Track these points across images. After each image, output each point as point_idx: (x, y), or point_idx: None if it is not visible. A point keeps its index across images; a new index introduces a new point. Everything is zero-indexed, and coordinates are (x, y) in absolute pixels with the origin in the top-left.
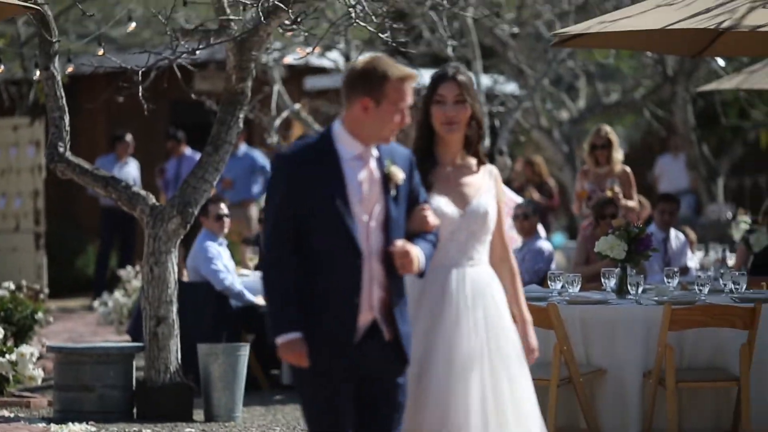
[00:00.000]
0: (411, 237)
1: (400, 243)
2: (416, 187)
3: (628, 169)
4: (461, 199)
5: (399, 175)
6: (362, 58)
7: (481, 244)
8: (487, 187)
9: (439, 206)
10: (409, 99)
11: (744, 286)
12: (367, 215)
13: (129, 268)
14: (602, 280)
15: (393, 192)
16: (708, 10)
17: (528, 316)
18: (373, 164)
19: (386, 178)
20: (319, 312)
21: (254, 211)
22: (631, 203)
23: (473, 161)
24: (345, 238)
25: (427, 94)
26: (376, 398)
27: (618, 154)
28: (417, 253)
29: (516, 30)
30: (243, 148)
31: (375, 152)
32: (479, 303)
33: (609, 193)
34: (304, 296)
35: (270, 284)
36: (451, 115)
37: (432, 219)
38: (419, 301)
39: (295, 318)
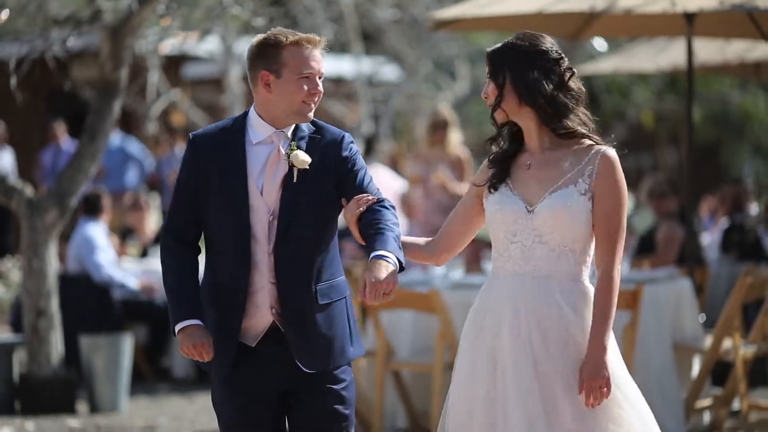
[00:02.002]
0: (367, 230)
1: (375, 280)
2: (352, 167)
3: (463, 152)
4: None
5: (300, 158)
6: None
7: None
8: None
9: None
10: (316, 65)
11: (627, 267)
12: (269, 204)
13: (8, 259)
14: (480, 263)
15: (295, 178)
16: None
17: None
18: (283, 148)
19: (290, 164)
20: (217, 310)
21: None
22: (459, 189)
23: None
24: (240, 229)
25: None
26: (307, 413)
27: (454, 136)
28: (391, 269)
29: (394, 15)
30: (117, 137)
31: (289, 136)
32: None
33: (435, 180)
34: (207, 290)
35: (165, 270)
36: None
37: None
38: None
39: (193, 305)
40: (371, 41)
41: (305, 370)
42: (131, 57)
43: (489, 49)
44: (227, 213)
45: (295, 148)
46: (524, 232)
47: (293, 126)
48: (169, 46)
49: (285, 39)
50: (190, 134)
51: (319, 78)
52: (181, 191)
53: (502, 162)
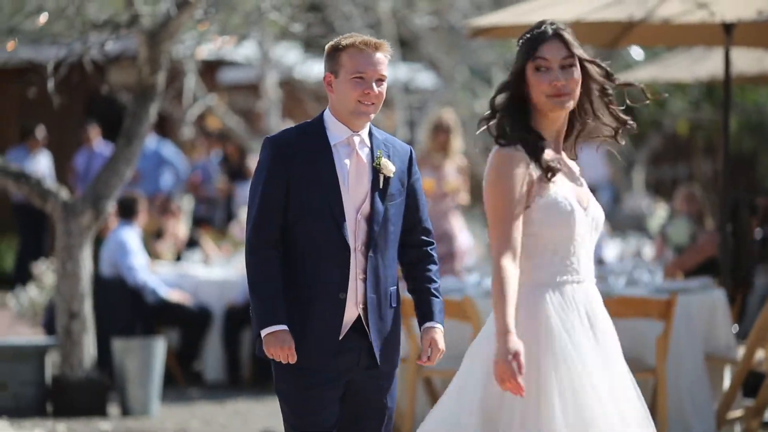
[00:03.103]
0: (420, 284)
1: (430, 351)
2: (414, 185)
3: (462, 160)
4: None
5: (389, 167)
6: None
7: None
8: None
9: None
10: (371, 67)
11: (660, 278)
12: (355, 206)
13: (43, 262)
14: None
15: (381, 185)
16: (620, 1)
17: None
18: (362, 153)
19: (376, 170)
20: (305, 306)
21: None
22: (465, 199)
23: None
24: (334, 228)
25: (521, 60)
26: (360, 402)
27: (457, 142)
28: (440, 338)
29: (431, 22)
30: (153, 141)
31: (366, 141)
32: None
33: (448, 189)
34: (289, 289)
35: (254, 276)
36: (561, 84)
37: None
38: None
39: (281, 310)
40: (408, 48)
41: (380, 364)
42: (168, 61)
43: (560, 29)
44: (323, 215)
45: (382, 155)
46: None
47: (367, 129)
48: (206, 51)
49: (344, 42)
50: (268, 138)
51: (378, 80)
52: (266, 196)
53: (540, 152)
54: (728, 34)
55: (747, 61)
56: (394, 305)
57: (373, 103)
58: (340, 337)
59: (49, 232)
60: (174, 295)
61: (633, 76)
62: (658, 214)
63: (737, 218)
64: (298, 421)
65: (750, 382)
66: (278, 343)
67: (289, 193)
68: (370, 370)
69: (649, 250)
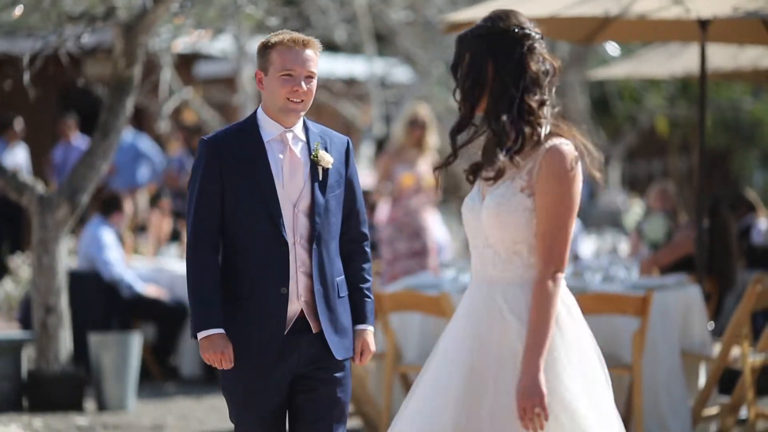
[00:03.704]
0: (355, 283)
1: (359, 352)
2: (352, 176)
3: (436, 157)
4: None
5: (326, 158)
6: None
7: None
8: None
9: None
10: (299, 65)
11: (636, 274)
12: (292, 200)
13: (19, 256)
14: None
15: (321, 176)
16: None
17: None
18: (296, 147)
19: (314, 162)
20: (247, 303)
21: (142, 199)
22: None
23: None
24: (271, 224)
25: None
26: (312, 398)
27: (432, 138)
28: (371, 340)
29: (407, 17)
30: (129, 134)
31: (300, 135)
32: None
33: (424, 185)
34: (229, 287)
35: (192, 279)
36: None
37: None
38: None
39: (218, 314)
40: (384, 42)
41: (334, 355)
42: (144, 54)
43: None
44: (258, 211)
45: (319, 147)
46: (477, 235)
47: (301, 123)
48: (182, 44)
49: (273, 39)
50: (203, 139)
51: (307, 77)
52: (204, 198)
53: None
54: (704, 30)
55: (722, 57)
56: (342, 295)
57: (302, 101)
58: (285, 332)
59: (25, 225)
60: (150, 290)
61: (609, 72)
62: (634, 210)
63: (716, 215)
64: (242, 419)
65: (726, 378)
66: (212, 347)
67: (224, 191)
68: (320, 362)
69: (624, 247)
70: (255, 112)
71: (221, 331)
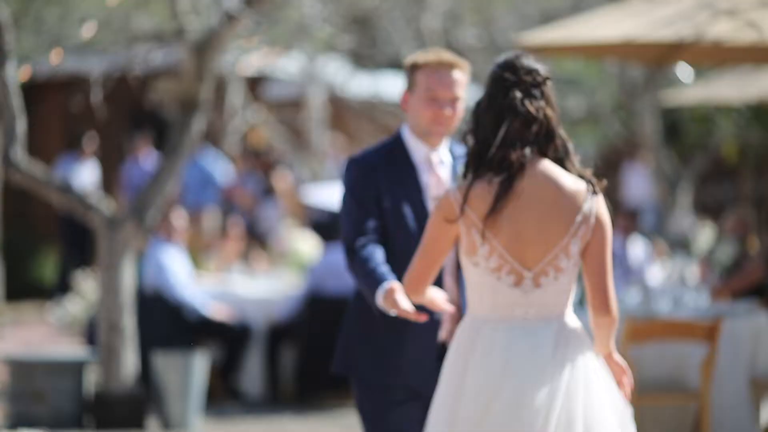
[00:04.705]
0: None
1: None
2: None
3: None
4: None
5: None
6: None
7: None
8: None
9: None
10: (443, 87)
11: (706, 300)
12: None
13: (85, 274)
14: None
15: None
16: (671, 21)
17: None
18: (441, 169)
19: None
20: (403, 326)
21: (208, 219)
22: None
23: None
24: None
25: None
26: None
27: None
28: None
29: (478, 38)
30: (197, 155)
31: (444, 157)
32: None
33: None
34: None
35: (359, 267)
36: None
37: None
38: None
39: (385, 273)
40: None
41: None
42: (214, 74)
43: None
44: (411, 234)
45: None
46: None
47: (446, 144)
48: (252, 67)
49: (420, 60)
50: (353, 158)
51: (454, 101)
52: (357, 207)
53: None
54: None
55: None
56: None
57: (444, 123)
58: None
59: (92, 243)
60: (216, 312)
61: (681, 97)
62: (704, 234)
63: None
64: None
65: None
66: (391, 298)
67: (380, 204)
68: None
69: (693, 272)
70: (399, 131)
71: (392, 282)
